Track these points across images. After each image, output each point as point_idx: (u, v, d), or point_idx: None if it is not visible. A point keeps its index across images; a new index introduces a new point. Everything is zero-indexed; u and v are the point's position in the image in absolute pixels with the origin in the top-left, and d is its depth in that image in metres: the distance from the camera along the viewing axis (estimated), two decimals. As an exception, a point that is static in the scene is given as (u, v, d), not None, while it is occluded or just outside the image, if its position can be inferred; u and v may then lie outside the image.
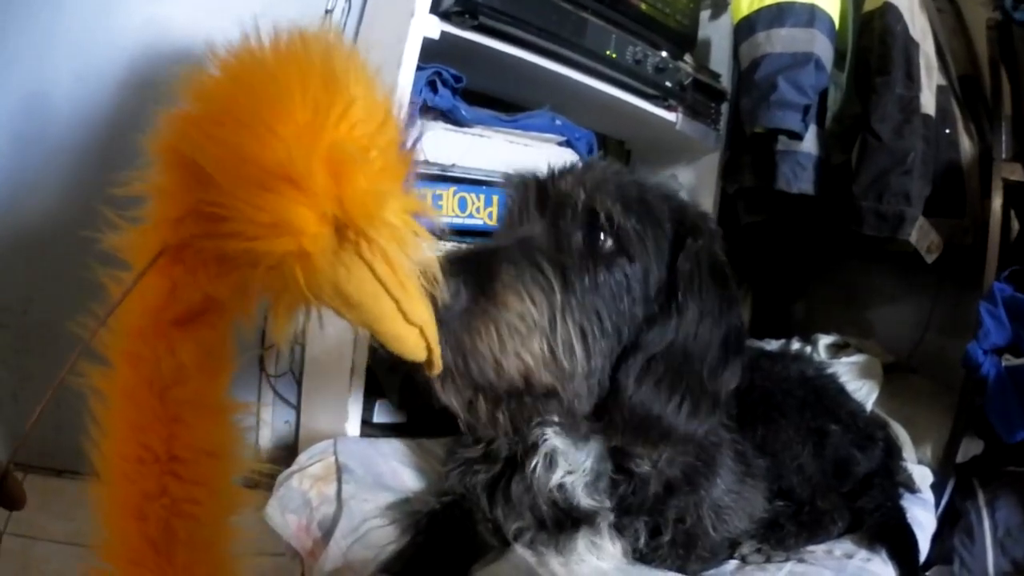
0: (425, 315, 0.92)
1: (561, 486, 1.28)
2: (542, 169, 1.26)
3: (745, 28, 2.42)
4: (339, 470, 1.57)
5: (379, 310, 0.87)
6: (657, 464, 1.30)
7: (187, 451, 1.00)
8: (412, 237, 0.88)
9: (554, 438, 1.29)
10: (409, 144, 0.93)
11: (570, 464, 1.29)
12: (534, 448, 1.31)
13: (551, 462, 1.29)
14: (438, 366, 0.97)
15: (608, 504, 1.30)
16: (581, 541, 1.30)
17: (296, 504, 1.54)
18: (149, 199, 0.95)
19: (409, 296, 0.88)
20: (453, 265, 1.01)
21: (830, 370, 2.00)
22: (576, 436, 1.28)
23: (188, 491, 1.01)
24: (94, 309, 0.96)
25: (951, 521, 2.17)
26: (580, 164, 1.27)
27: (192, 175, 0.87)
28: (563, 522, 1.31)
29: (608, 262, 1.16)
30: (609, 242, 1.16)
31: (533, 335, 1.06)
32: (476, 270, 1.05)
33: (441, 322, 0.96)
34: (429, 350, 0.95)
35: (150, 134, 0.92)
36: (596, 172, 1.22)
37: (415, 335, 0.92)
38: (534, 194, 1.22)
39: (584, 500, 1.29)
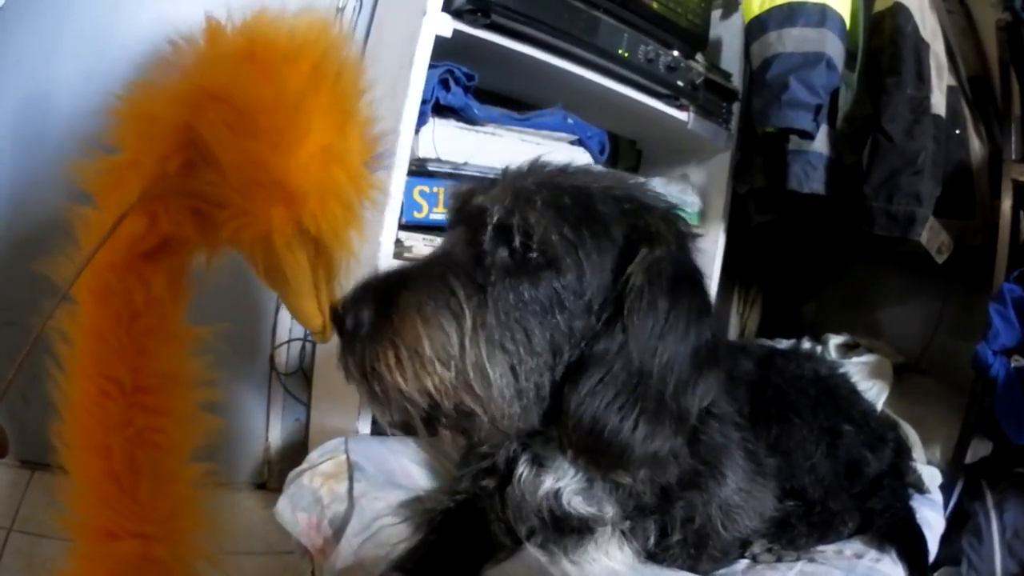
0: (330, 305, 1.07)
1: (556, 493, 1.26)
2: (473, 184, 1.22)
3: (756, 28, 2.41)
4: (350, 468, 1.58)
5: (302, 292, 1.03)
6: (636, 477, 1.23)
7: (152, 379, 1.05)
8: (350, 251, 0.99)
9: (535, 446, 1.28)
10: (375, 166, 1.01)
11: (557, 472, 1.27)
12: (515, 459, 1.30)
13: (537, 471, 1.27)
14: (327, 339, 1.10)
15: (610, 512, 1.28)
16: (590, 545, 1.29)
17: (307, 502, 1.54)
18: (133, 135, 0.99)
19: (329, 291, 1.05)
20: (362, 290, 1.05)
21: (842, 370, 2.00)
22: (554, 443, 1.23)
23: (153, 420, 1.05)
24: (67, 250, 0.98)
25: (959, 522, 2.17)
26: (518, 168, 1.21)
27: (190, 140, 0.92)
28: (567, 528, 1.29)
29: (533, 276, 1.10)
30: (533, 255, 1.10)
31: (435, 360, 1.05)
32: (382, 295, 1.06)
33: (346, 345, 1.04)
34: (324, 328, 1.10)
35: (158, 79, 0.97)
36: (525, 179, 1.17)
37: (318, 316, 1.07)
38: (462, 208, 1.19)
39: (582, 508, 1.27)
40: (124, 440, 1.02)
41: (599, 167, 1.33)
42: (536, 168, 1.21)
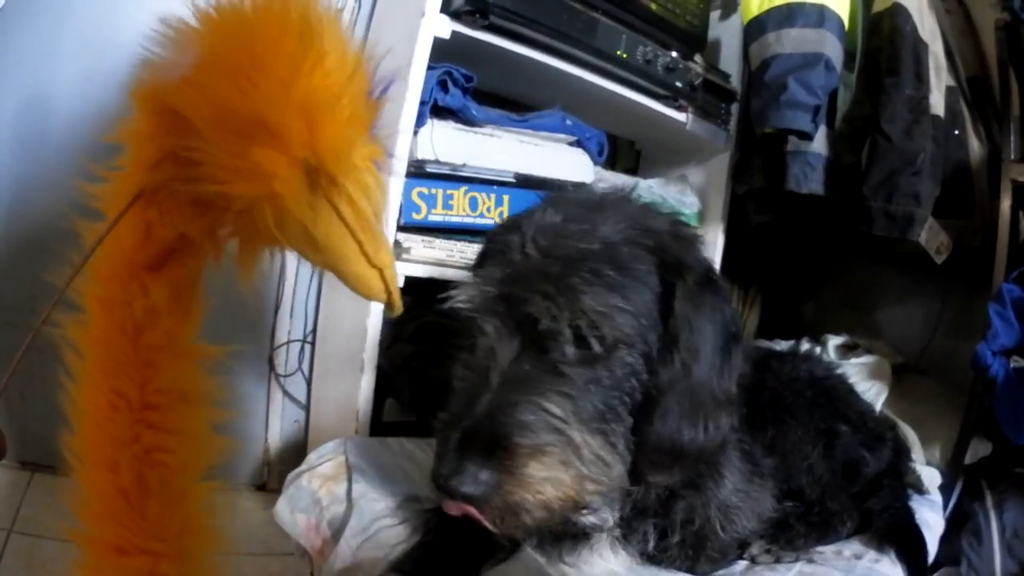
0: (386, 258, 0.97)
1: None
2: (493, 270, 1.19)
3: (755, 28, 2.41)
4: (349, 469, 1.58)
5: (343, 251, 0.92)
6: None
7: (160, 397, 1.01)
8: (375, 183, 0.92)
9: None
10: (377, 93, 0.95)
11: None
12: None
13: None
14: (397, 307, 1.02)
15: (611, 520, 1.29)
16: (585, 549, 1.30)
17: (306, 503, 1.54)
18: (128, 146, 0.97)
19: (372, 239, 0.93)
20: (462, 444, 1.06)
21: (839, 371, 2.00)
22: None
23: (161, 439, 1.02)
24: (71, 257, 0.97)
25: (959, 522, 2.16)
26: (532, 238, 1.18)
27: (170, 121, 0.90)
28: (563, 532, 1.29)
29: (608, 361, 1.15)
30: (605, 341, 1.13)
31: (565, 477, 1.09)
32: (488, 443, 1.06)
33: (481, 504, 1.05)
34: (389, 292, 1.00)
35: (133, 82, 0.94)
36: (552, 259, 1.15)
37: (376, 277, 0.96)
38: (506, 315, 1.15)
39: (585, 519, 1.27)
40: (132, 457, 1.01)
41: (591, 191, 1.34)
42: (546, 232, 1.19)
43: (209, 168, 0.85)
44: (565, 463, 1.09)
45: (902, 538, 1.63)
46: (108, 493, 1.01)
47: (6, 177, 2.18)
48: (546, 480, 1.07)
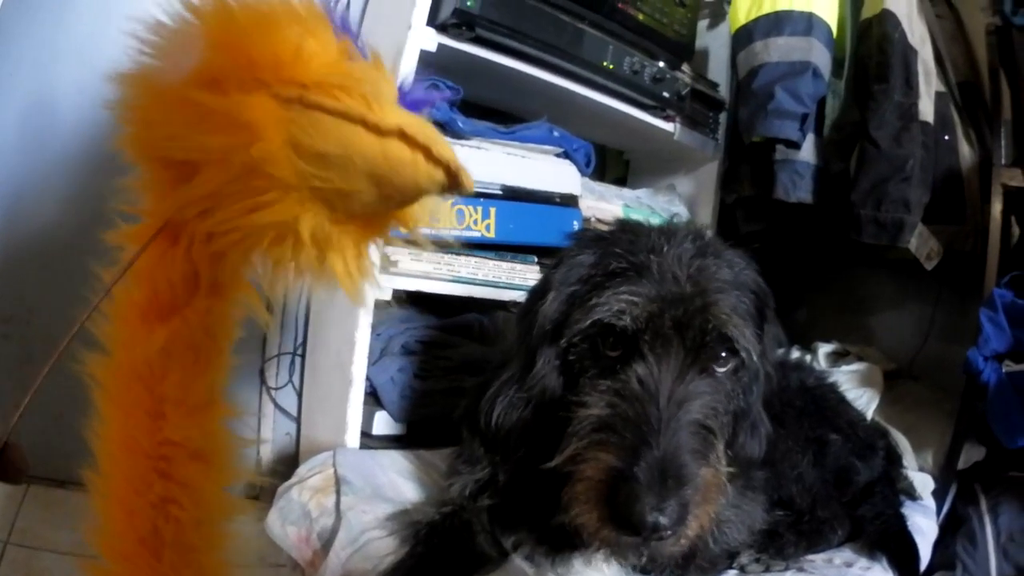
0: (398, 117, 0.83)
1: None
2: (639, 289, 1.20)
3: (743, 37, 2.42)
4: (338, 482, 1.58)
5: (352, 141, 0.82)
6: None
7: (170, 449, 0.99)
8: (356, 78, 0.85)
9: None
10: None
11: None
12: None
13: None
14: (468, 184, 0.87)
15: None
16: (577, 560, 1.29)
17: (296, 516, 1.55)
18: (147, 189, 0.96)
19: (367, 107, 0.82)
20: (651, 483, 1.06)
21: (830, 379, 2.00)
22: None
23: (173, 492, 1.00)
24: (91, 297, 0.96)
25: (953, 527, 2.17)
26: (686, 277, 1.23)
27: (164, 144, 0.89)
28: (554, 541, 1.30)
29: (736, 375, 1.26)
30: (741, 355, 1.23)
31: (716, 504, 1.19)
32: (674, 475, 1.07)
33: (663, 535, 1.06)
34: (436, 161, 0.84)
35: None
36: (716, 289, 1.23)
37: (397, 144, 0.82)
38: (669, 333, 1.18)
39: None
40: (147, 505, 0.99)
41: (688, 224, 1.47)
42: (690, 260, 1.27)
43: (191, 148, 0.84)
44: (719, 486, 1.17)
45: (894, 545, 1.63)
46: (127, 536, 1.01)
47: (2, 189, 2.18)
48: (710, 512, 1.16)
